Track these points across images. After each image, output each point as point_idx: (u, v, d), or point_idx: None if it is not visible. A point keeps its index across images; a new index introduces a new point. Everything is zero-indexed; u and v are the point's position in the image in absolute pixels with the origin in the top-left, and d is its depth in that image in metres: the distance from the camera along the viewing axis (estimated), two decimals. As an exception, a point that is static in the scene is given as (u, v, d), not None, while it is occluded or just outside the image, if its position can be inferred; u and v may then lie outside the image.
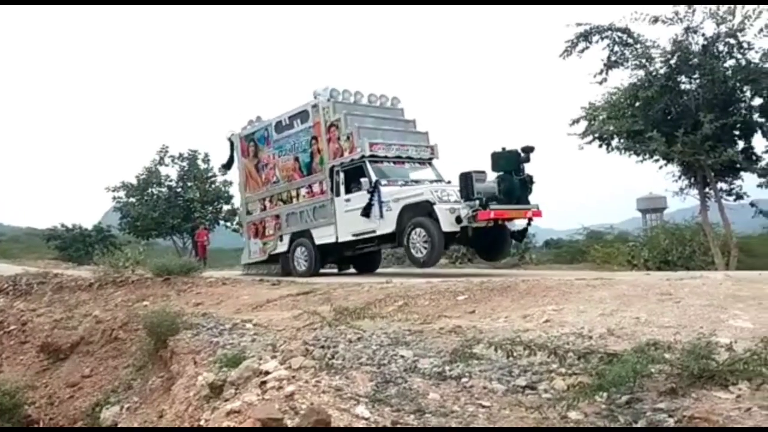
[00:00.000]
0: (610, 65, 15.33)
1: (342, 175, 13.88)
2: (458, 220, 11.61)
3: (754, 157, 14.99)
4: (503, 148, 12.03)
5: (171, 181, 32.35)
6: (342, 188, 13.89)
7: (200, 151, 32.89)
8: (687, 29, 14.33)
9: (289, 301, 9.50)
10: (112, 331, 9.54)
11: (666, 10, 14.58)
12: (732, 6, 14.08)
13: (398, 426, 3.28)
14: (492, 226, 11.98)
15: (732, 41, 14.16)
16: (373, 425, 3.23)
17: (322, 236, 14.20)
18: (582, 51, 15.37)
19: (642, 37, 14.95)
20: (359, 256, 14.78)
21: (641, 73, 15.10)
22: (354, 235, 13.55)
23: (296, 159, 15.00)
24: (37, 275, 14.89)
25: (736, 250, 15.30)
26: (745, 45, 14.17)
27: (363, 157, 13.40)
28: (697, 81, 14.63)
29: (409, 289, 8.48)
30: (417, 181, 13.67)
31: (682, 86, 14.87)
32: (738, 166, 14.75)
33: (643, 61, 14.92)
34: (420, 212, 12.24)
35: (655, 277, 9.26)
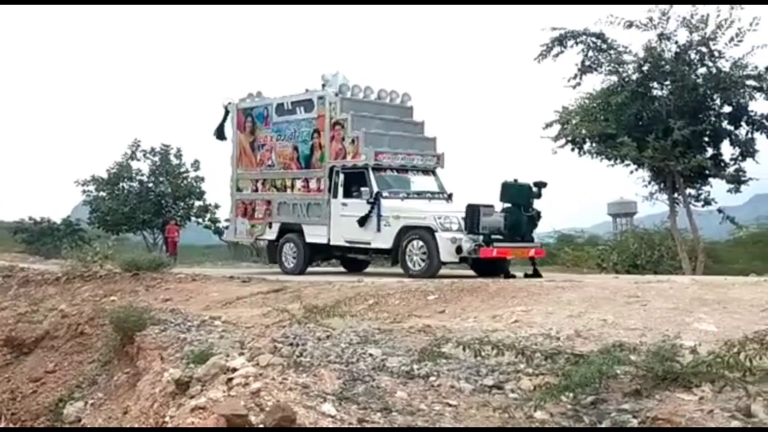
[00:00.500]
0: (584, 70, 15.49)
1: (342, 177, 13.30)
2: (458, 250, 11.33)
3: (722, 164, 15.25)
4: (515, 180, 11.84)
5: (142, 175, 31.97)
6: (340, 191, 13.31)
7: (173, 146, 32.50)
8: (660, 36, 14.55)
9: (259, 298, 9.44)
10: (78, 325, 9.39)
11: (641, 15, 14.79)
12: (706, 15, 14.32)
13: (364, 424, 3.26)
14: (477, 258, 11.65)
15: (704, 49, 14.39)
16: (339, 423, 3.22)
17: (314, 235, 13.67)
18: (557, 55, 15.53)
19: (616, 42, 15.15)
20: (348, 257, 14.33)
21: (614, 78, 15.29)
22: (347, 242, 13.13)
23: (295, 148, 14.27)
24: (3, 269, 14.66)
25: (703, 255, 15.55)
26: (716, 53, 14.42)
27: (367, 165, 12.89)
28: (669, 88, 14.85)
29: (380, 288, 8.48)
30: (419, 193, 13.33)
31: (654, 92, 15.08)
32: (707, 172, 15.00)
33: (617, 66, 15.11)
34: (418, 234, 11.92)
35: (623, 280, 9.38)
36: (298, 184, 14.19)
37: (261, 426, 3.04)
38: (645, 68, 14.83)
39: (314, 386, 3.75)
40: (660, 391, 3.57)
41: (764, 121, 14.69)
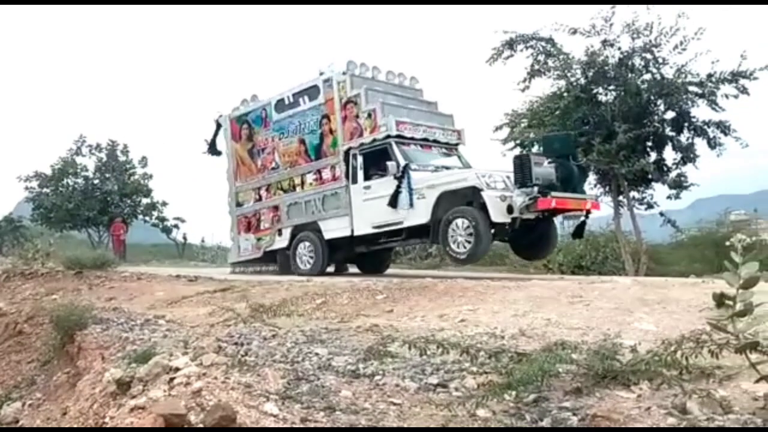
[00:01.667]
0: (533, 73, 15.76)
1: (360, 158, 12.20)
2: (509, 209, 10.13)
3: (665, 169, 15.67)
4: (558, 131, 10.92)
5: (88, 172, 31.31)
6: (360, 174, 12.21)
7: (119, 142, 31.93)
8: (604, 42, 14.89)
9: (205, 297, 9.32)
10: (17, 324, 9.14)
11: (584, 22, 15.13)
12: (650, 22, 14.71)
13: (306, 423, 3.24)
14: (539, 220, 10.65)
15: (648, 56, 14.77)
16: (281, 422, 3.19)
17: (333, 229, 12.51)
18: (507, 59, 15.75)
19: (564, 47, 15.45)
20: (366, 255, 13.15)
21: (562, 82, 15.59)
22: (375, 227, 11.88)
23: (302, 142, 13.29)
24: (-61, 266, 14.16)
25: (645, 257, 15.95)
26: (660, 60, 14.82)
27: (388, 137, 11.73)
28: (613, 93, 15.21)
29: (329, 288, 8.46)
30: (447, 168, 12.09)
31: (600, 97, 15.42)
32: (650, 176, 15.38)
33: (565, 71, 15.40)
34: (460, 201, 10.73)
35: (568, 280, 9.53)
36: (310, 178, 13.13)
37: (201, 425, 3.00)
38: (590, 73, 15.15)
39: (257, 385, 3.72)
40: (600, 389, 3.63)
41: (705, 127, 15.14)
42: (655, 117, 15.28)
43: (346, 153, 12.39)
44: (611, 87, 15.08)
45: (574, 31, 14.93)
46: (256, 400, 3.44)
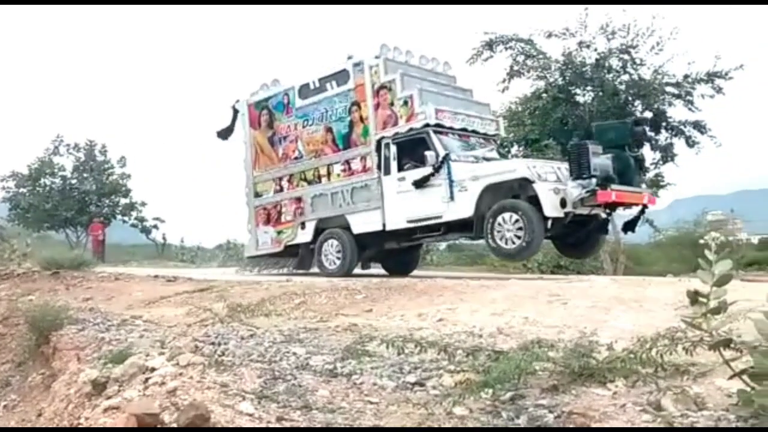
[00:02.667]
0: (512, 74, 15.87)
1: (394, 148, 11.47)
2: (563, 203, 9.55)
3: (643, 168, 15.82)
4: (612, 119, 10.14)
5: (65, 171, 31.05)
6: (394, 164, 11.46)
7: (98, 142, 31.69)
8: (580, 43, 15.04)
9: (183, 297, 9.27)
10: (-8, 325, 9.04)
11: (559, 25, 15.28)
12: (627, 24, 14.88)
13: (282, 423, 3.23)
14: (589, 216, 10.09)
15: (625, 57, 14.92)
16: (257, 421, 3.18)
17: (363, 224, 11.76)
18: (486, 59, 15.85)
19: (542, 48, 15.58)
20: (393, 255, 12.55)
21: (541, 83, 15.72)
22: (410, 221, 11.20)
23: (328, 130, 12.48)
24: None
25: (624, 256, 16.09)
26: (638, 61, 14.97)
27: (427, 125, 11.03)
28: (591, 93, 15.36)
29: (308, 287, 8.44)
30: (487, 159, 11.39)
31: (578, 98, 15.57)
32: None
33: (544, 72, 15.52)
34: (505, 194, 10.14)
35: (547, 280, 9.59)
36: (337, 168, 12.35)
37: (174, 425, 2.98)
38: (567, 74, 15.30)
39: (233, 385, 3.70)
40: (576, 387, 3.64)
41: (682, 127, 15.32)
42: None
43: (378, 142, 11.69)
44: (589, 87, 15.26)
45: (549, 35, 15.07)
46: (231, 400, 3.42)
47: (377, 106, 11.66)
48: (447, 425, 3.27)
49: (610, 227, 16.55)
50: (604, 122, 10.17)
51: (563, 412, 3.36)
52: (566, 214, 9.62)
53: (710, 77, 14.78)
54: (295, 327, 5.78)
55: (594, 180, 9.47)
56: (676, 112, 15.10)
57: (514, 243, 9.83)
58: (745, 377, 3.07)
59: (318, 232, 12.48)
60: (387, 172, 11.56)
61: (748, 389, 3.02)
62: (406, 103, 11.27)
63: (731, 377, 3.25)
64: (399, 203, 11.33)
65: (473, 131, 11.82)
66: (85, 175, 30.65)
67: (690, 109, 14.74)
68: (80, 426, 4.02)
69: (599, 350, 4.00)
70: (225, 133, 14.32)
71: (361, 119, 11.91)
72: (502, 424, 3.24)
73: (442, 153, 10.75)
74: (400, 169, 11.43)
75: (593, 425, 3.18)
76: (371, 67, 11.79)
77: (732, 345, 3.37)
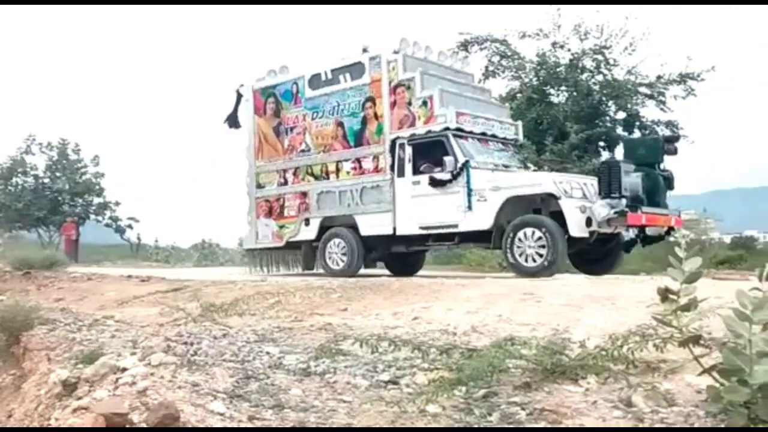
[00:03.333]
0: (487, 75, 15.95)
1: (410, 150, 10.98)
2: (588, 222, 9.16)
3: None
4: (643, 134, 9.70)
5: (38, 170, 30.68)
6: (409, 167, 10.99)
7: (70, 141, 31.35)
8: (554, 44, 15.18)
9: (157, 297, 9.19)
10: (-40, 326, 8.86)
11: (533, 26, 15.41)
12: (601, 24, 15.04)
13: (254, 422, 3.20)
14: (612, 234, 9.68)
15: (599, 57, 15.07)
16: (228, 420, 3.15)
17: (372, 226, 11.32)
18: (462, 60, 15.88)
19: (516, 48, 15.70)
20: (399, 257, 12.20)
21: (516, 83, 15.84)
22: (423, 228, 10.82)
23: (339, 124, 11.94)
24: None
25: (599, 255, 16.19)
26: (611, 62, 15.14)
27: (447, 129, 10.60)
28: (565, 93, 15.51)
29: (283, 287, 8.41)
30: (506, 167, 11.00)
31: (552, 98, 15.71)
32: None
33: (519, 72, 15.64)
34: (526, 207, 9.82)
35: (521, 279, 9.62)
36: (347, 166, 11.85)
37: (144, 424, 2.95)
38: (542, 74, 15.42)
39: (205, 384, 3.66)
40: (549, 384, 3.66)
41: (654, 126, 15.52)
42: (607, 117, 15.64)
43: (393, 142, 11.21)
44: (563, 88, 15.40)
45: (523, 35, 15.20)
46: (203, 399, 3.39)
47: (394, 104, 11.22)
48: (419, 423, 3.26)
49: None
50: (634, 138, 9.74)
51: (535, 409, 3.37)
52: (591, 233, 9.28)
53: (683, 78, 14.96)
54: (269, 326, 5.76)
55: (624, 200, 9.11)
56: (649, 112, 15.32)
57: (535, 261, 9.48)
58: (714, 373, 3.11)
59: (323, 230, 12.08)
60: (401, 174, 11.13)
61: (717, 385, 3.06)
62: (425, 103, 10.84)
63: (701, 373, 3.29)
64: (412, 208, 10.94)
65: (492, 135, 11.45)
66: (57, 174, 30.31)
67: (662, 109, 14.96)
68: (50, 426, 3.96)
69: (572, 348, 4.03)
70: (231, 121, 13.67)
71: (376, 116, 11.46)
72: (474, 422, 3.25)
73: (461, 159, 10.35)
74: (415, 172, 11.02)
75: (565, 422, 3.19)
76: (389, 62, 11.30)
77: (701, 342, 3.41)
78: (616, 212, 9.01)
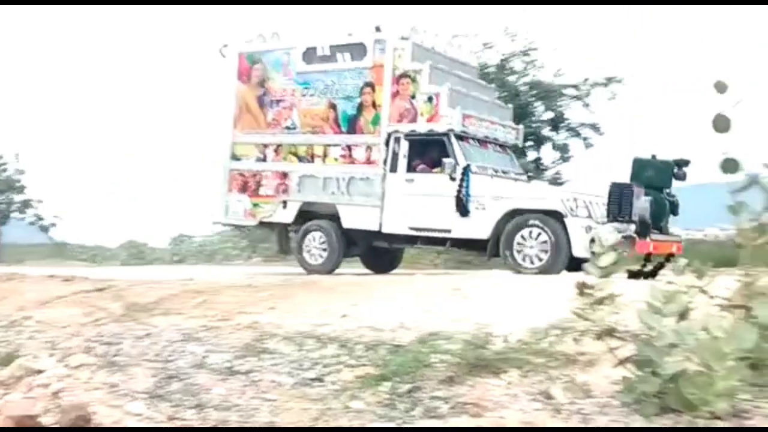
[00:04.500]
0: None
1: (406, 146, 10.38)
2: (591, 242, 8.64)
3: (542, 167, 16.38)
4: (653, 156, 9.31)
5: (-46, 167, 29.44)
6: (403, 163, 10.39)
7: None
8: (484, 45, 15.44)
9: (80, 297, 8.88)
10: None
11: (465, 28, 15.64)
12: (527, 26, 15.40)
13: (174, 422, 3.15)
14: None
15: (527, 59, 15.40)
16: (147, 421, 3.09)
17: (356, 220, 10.69)
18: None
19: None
20: (377, 253, 11.63)
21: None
22: (413, 229, 10.29)
23: (332, 106, 11.11)
24: None
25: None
26: (538, 64, 15.50)
27: (450, 131, 10.07)
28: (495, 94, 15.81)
29: (211, 285, 8.26)
30: (504, 172, 10.62)
31: (482, 98, 16.00)
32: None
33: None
34: (537, 217, 9.27)
35: (453, 275, 9.74)
36: (335, 152, 11.09)
37: (56, 426, 2.86)
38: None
39: (123, 385, 3.59)
40: (471, 378, 3.72)
41: (578, 128, 15.95)
42: (534, 118, 15.97)
43: (389, 135, 10.54)
44: (492, 87, 15.67)
45: (454, 35, 15.40)
46: (120, 400, 3.32)
47: (395, 94, 10.48)
48: (343, 419, 3.27)
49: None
50: (644, 159, 9.10)
51: (458, 402, 3.42)
52: (593, 254, 8.74)
53: (608, 81, 15.41)
54: (195, 325, 5.65)
55: (633, 225, 8.72)
56: (574, 113, 15.74)
57: (537, 261, 9.12)
58: (628, 365, 3.21)
59: (301, 215, 11.41)
60: (394, 169, 10.51)
61: (631, 376, 3.16)
62: (430, 99, 10.22)
63: (616, 365, 3.39)
64: (402, 207, 10.38)
65: (494, 139, 11.00)
66: (-24, 171, 29.14)
67: (589, 110, 15.40)
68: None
69: (495, 342, 4.10)
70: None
71: (374, 105, 10.71)
72: (397, 416, 3.27)
73: (462, 163, 9.87)
74: (410, 169, 10.44)
75: (486, 415, 3.25)
76: (396, 49, 10.51)
77: (617, 334, 3.51)
78: (624, 236, 8.11)
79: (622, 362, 3.30)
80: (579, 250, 8.72)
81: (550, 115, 15.82)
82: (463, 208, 9.64)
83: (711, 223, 10.22)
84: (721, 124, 3.08)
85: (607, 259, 3.39)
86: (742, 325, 2.93)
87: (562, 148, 15.86)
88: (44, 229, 31.08)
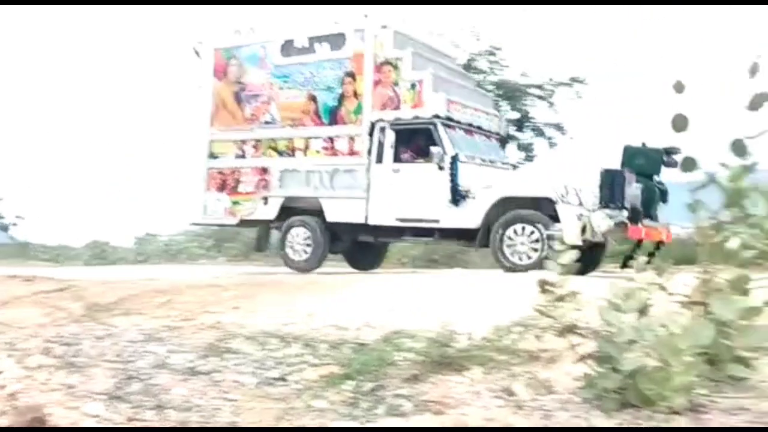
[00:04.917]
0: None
1: (392, 135, 10.19)
2: (583, 230, 8.53)
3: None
4: (643, 144, 9.29)
5: None
6: (389, 153, 10.20)
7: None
8: (451, 44, 15.51)
9: (40, 297, 8.71)
10: None
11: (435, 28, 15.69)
12: (482, 25, 15.53)
13: (133, 423, 3.10)
14: (598, 244, 9.02)
15: (492, 58, 15.52)
16: (105, 422, 3.04)
17: (341, 213, 10.46)
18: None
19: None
20: (361, 248, 11.42)
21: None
22: (400, 220, 10.08)
23: (312, 98, 10.90)
24: None
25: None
26: (503, 64, 15.63)
27: (436, 116, 9.83)
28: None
29: (174, 285, 8.17)
30: (491, 161, 10.49)
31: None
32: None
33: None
34: (526, 204, 9.12)
35: (418, 274, 9.78)
36: (317, 144, 10.84)
37: (11, 427, 2.80)
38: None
39: (82, 386, 3.52)
40: (435, 376, 3.73)
41: (543, 128, 16.12)
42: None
43: (373, 125, 10.34)
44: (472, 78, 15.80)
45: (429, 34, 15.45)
46: (78, 401, 3.26)
47: (377, 83, 10.28)
48: (306, 419, 3.25)
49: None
50: (634, 146, 9.08)
51: (421, 400, 3.42)
52: (584, 241, 8.48)
53: (573, 81, 15.59)
54: (157, 325, 5.58)
55: (624, 212, 8.77)
56: (539, 113, 15.89)
57: (527, 258, 8.85)
58: (589, 361, 3.24)
59: (283, 211, 11.16)
60: (379, 160, 10.29)
61: (593, 372, 3.19)
62: (413, 86, 9.99)
63: (577, 362, 3.42)
64: (389, 198, 10.17)
65: (478, 127, 10.77)
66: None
67: (553, 110, 15.57)
68: None
69: (458, 339, 4.11)
70: None
71: (355, 94, 10.51)
72: (360, 415, 3.26)
73: (450, 152, 9.68)
74: (396, 159, 10.24)
75: (449, 412, 3.25)
76: (376, 36, 10.33)
77: (578, 331, 3.55)
78: (616, 223, 8.66)
79: (583, 359, 3.33)
80: (570, 236, 8.43)
81: (516, 115, 16.00)
82: (459, 197, 9.47)
83: (673, 221, 10.43)
84: (680, 123, 3.13)
85: (568, 257, 3.42)
86: (700, 322, 2.98)
87: (526, 148, 16.02)
88: (4, 228, 30.48)
